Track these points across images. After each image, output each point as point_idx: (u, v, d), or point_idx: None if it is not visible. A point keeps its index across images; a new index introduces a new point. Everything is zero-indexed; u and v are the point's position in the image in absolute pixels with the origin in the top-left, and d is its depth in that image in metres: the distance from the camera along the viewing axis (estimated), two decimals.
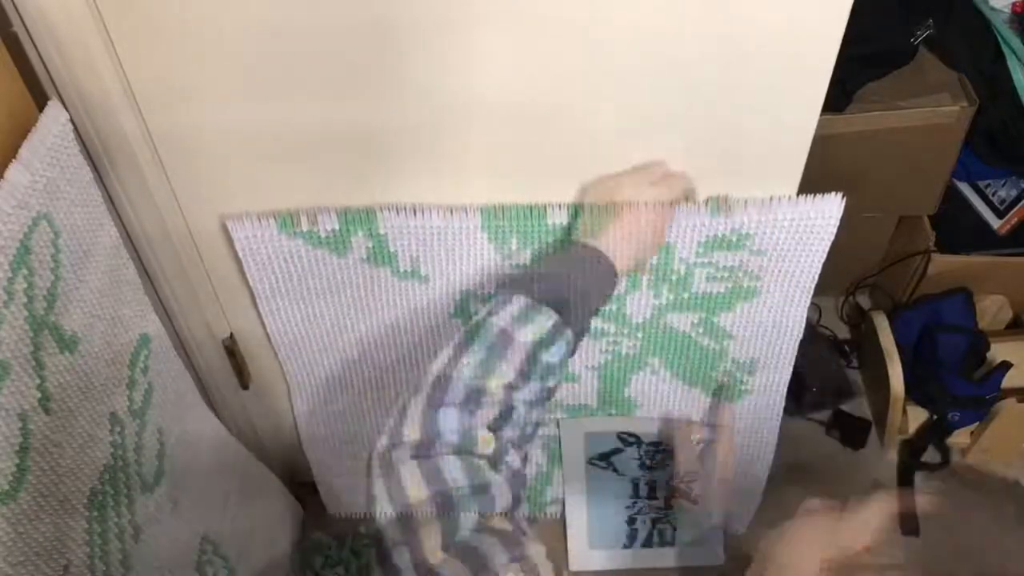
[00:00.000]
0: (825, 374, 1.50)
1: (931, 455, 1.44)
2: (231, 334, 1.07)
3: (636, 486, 1.25)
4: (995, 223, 1.44)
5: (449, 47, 0.75)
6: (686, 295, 0.96)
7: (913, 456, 1.43)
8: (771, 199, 0.84)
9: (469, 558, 0.56)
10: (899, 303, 1.51)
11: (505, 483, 0.63)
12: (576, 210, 0.86)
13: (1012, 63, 1.26)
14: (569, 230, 0.87)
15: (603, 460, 1.22)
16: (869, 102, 1.25)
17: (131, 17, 0.74)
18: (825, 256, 0.89)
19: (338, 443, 1.21)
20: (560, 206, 0.86)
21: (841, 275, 1.59)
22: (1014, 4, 1.33)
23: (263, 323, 1.01)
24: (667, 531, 1.28)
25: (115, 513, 0.80)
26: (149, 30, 0.75)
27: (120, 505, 0.81)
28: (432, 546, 0.57)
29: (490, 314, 0.71)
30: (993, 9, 1.30)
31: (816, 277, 0.92)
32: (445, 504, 0.60)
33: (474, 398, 0.66)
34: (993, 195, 1.45)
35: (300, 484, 1.34)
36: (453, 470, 0.62)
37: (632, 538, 1.29)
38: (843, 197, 0.83)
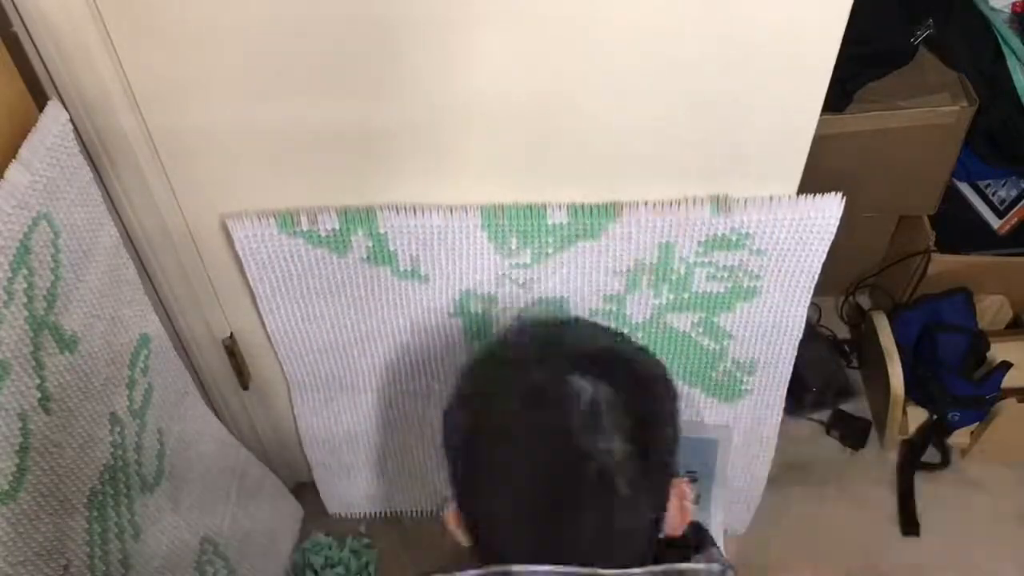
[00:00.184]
0: (825, 374, 1.50)
1: (931, 455, 1.44)
2: (231, 334, 1.07)
3: None
4: (995, 223, 1.44)
5: (449, 47, 0.75)
6: (686, 295, 0.96)
7: (913, 456, 1.43)
8: (771, 199, 0.84)
9: None
10: (899, 303, 1.51)
11: None
12: (576, 210, 0.86)
13: (1012, 63, 1.26)
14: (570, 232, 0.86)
15: None
16: (869, 102, 1.24)
17: (131, 17, 0.74)
18: (825, 256, 0.89)
19: (338, 443, 1.21)
20: (560, 206, 0.86)
21: (841, 275, 1.58)
22: (1014, 4, 1.33)
23: (263, 323, 1.01)
24: None
25: (115, 513, 0.81)
26: (149, 30, 0.75)
27: (120, 505, 0.81)
28: None
29: None
30: (993, 9, 1.30)
31: (816, 277, 0.92)
32: None
33: None
34: (993, 195, 1.45)
35: (300, 484, 1.34)
36: None
37: None
38: (843, 197, 0.83)
